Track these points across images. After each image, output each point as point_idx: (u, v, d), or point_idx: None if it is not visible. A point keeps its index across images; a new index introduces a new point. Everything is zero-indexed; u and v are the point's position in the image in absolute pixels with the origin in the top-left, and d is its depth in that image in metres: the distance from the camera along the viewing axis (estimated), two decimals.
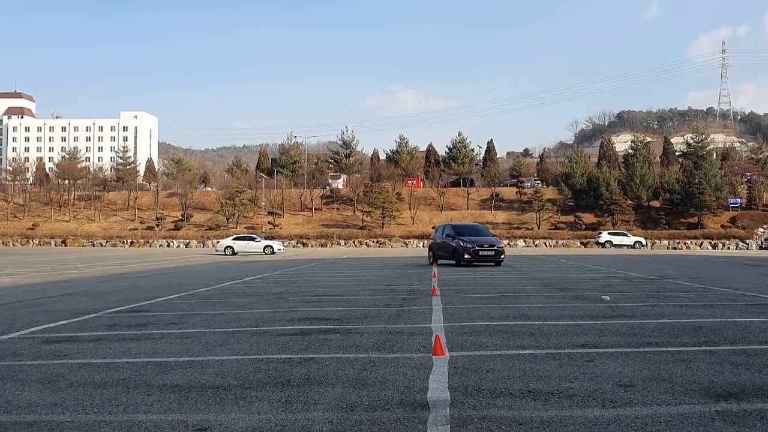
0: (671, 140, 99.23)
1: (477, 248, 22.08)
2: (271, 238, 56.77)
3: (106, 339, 7.27)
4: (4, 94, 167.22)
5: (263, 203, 72.83)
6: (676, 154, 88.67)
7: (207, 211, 77.95)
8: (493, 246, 22.56)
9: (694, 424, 3.84)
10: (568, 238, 64.80)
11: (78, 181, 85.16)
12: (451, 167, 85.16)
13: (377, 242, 65.75)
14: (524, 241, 64.66)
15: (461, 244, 22.29)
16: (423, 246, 62.65)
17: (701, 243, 62.39)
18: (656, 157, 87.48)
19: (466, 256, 21.91)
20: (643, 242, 59.57)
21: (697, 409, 4.16)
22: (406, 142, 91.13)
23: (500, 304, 10.31)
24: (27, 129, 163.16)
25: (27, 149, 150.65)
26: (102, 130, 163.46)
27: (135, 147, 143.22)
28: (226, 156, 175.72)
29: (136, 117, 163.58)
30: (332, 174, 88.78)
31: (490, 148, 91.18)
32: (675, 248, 60.70)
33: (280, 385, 4.91)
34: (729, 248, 60.53)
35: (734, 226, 66.38)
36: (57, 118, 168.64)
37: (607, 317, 8.68)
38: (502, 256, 22.68)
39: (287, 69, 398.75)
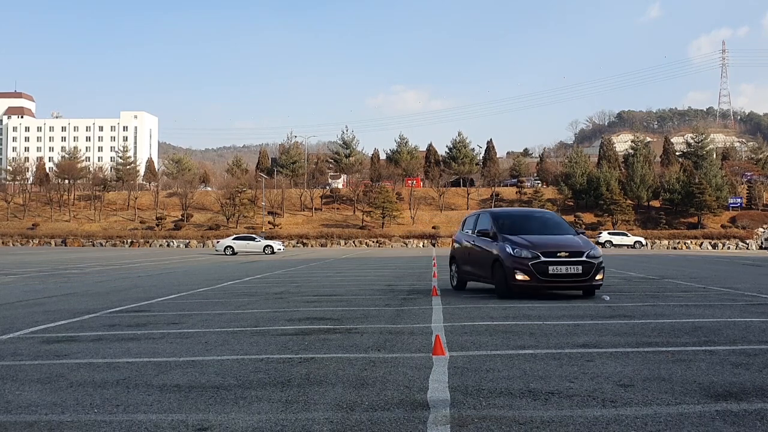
0: (671, 140, 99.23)
1: (545, 261, 10.74)
2: (271, 237, 56.80)
3: (106, 339, 7.27)
4: (4, 94, 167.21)
5: (263, 203, 72.83)
6: (676, 154, 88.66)
7: (207, 211, 77.94)
8: (581, 255, 10.96)
9: (694, 424, 3.84)
10: None
11: (78, 181, 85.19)
12: (451, 167, 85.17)
13: (377, 242, 65.77)
14: None
15: (510, 250, 11.04)
16: (423, 246, 62.71)
17: (701, 243, 62.40)
18: (656, 157, 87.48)
19: (519, 276, 10.80)
20: (643, 242, 59.58)
21: (697, 409, 4.16)
22: (406, 142, 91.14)
23: (500, 304, 10.30)
24: (27, 129, 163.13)
25: (27, 149, 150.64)
26: (102, 130, 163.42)
27: (135, 147, 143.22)
28: (226, 156, 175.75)
29: (136, 117, 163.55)
30: (332, 174, 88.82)
31: (490, 148, 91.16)
32: (675, 248, 60.69)
33: (280, 385, 4.91)
34: (729, 248, 60.52)
35: (734, 226, 66.38)
36: (57, 118, 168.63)
37: (607, 317, 8.68)
38: (599, 277, 11.14)
39: (287, 69, 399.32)
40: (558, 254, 10.89)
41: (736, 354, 6.01)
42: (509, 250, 11.04)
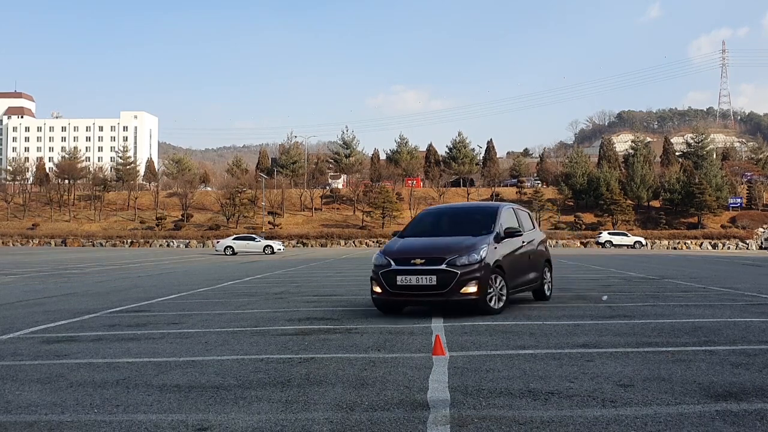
0: (671, 140, 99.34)
1: (395, 270, 8.79)
2: (271, 238, 56.79)
3: (106, 339, 7.27)
4: (4, 94, 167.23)
5: (263, 203, 72.83)
6: (676, 154, 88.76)
7: (207, 211, 77.97)
8: (440, 263, 8.63)
9: (694, 424, 3.83)
10: (568, 238, 64.80)
11: (78, 181, 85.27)
12: (451, 167, 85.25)
13: (377, 242, 65.75)
14: None
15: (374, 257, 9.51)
16: None
17: (701, 243, 62.41)
18: (656, 157, 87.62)
19: (374, 288, 9.15)
20: (643, 242, 59.58)
21: (697, 409, 4.16)
22: (406, 142, 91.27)
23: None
24: (27, 129, 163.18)
25: (27, 149, 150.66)
26: (102, 130, 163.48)
27: (135, 147, 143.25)
28: (226, 156, 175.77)
29: (136, 117, 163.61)
30: (332, 174, 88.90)
31: (490, 148, 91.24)
32: (675, 248, 60.69)
33: (280, 385, 4.91)
34: (729, 248, 60.52)
35: (734, 226, 66.44)
36: (57, 118, 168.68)
37: (607, 317, 8.68)
38: (466, 290, 8.56)
39: (287, 69, 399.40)
40: (412, 261, 8.79)
41: (736, 354, 6.00)
42: (379, 260, 9.20)
